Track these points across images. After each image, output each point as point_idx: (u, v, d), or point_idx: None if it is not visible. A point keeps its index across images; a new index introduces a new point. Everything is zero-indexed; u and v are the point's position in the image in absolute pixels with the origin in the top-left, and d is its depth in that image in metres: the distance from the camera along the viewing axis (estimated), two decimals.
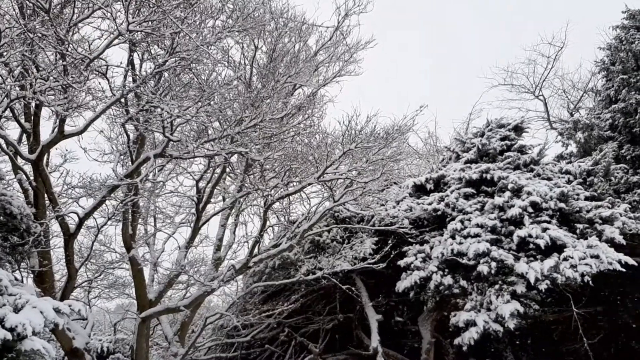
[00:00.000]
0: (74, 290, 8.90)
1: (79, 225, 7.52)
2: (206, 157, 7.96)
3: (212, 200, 9.53)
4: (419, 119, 24.90)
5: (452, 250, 8.99)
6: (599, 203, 9.78)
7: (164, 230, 10.01)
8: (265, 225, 8.39)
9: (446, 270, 8.99)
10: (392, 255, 9.28)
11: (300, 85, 9.51)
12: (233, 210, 9.05)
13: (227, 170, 8.94)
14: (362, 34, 11.58)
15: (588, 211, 9.60)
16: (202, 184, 8.68)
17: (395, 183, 11.16)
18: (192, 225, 8.79)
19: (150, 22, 6.55)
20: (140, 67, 7.68)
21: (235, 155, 8.50)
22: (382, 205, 10.23)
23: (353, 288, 8.71)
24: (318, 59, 10.43)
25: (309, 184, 7.98)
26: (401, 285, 8.99)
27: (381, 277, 9.90)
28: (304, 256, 9.11)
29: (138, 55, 7.61)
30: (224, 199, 9.26)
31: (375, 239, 9.70)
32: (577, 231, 9.27)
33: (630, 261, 8.48)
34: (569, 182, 10.39)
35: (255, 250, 8.34)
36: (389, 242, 9.42)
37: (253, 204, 9.11)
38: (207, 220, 9.20)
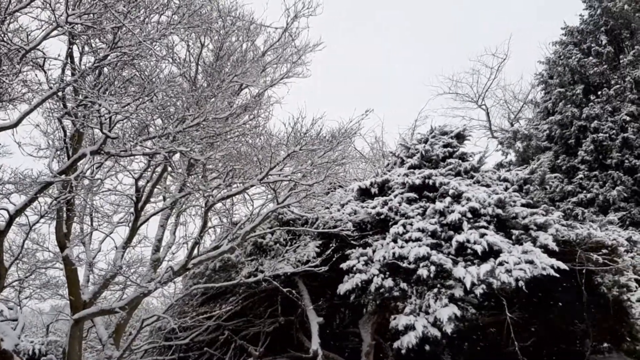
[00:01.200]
0: (4, 290, 8.47)
1: (9, 223, 7.14)
2: (146, 155, 7.74)
3: (152, 199, 9.28)
4: (367, 124, 25.26)
5: (394, 253, 9.11)
6: (534, 210, 10.14)
7: (101, 229, 9.66)
8: (205, 226, 8.24)
9: (387, 273, 9.09)
10: (335, 258, 9.31)
11: (247, 86, 9.41)
12: (173, 211, 8.84)
13: (169, 169, 8.73)
14: (311, 36, 11.52)
15: (524, 218, 9.95)
16: (141, 183, 8.43)
17: (340, 186, 11.22)
18: (130, 224, 8.52)
19: (91, 15, 6.31)
20: (80, 60, 7.39)
21: (178, 155, 8.31)
22: (327, 208, 10.26)
23: (294, 291, 8.68)
24: (266, 59, 10.36)
25: (252, 186, 7.89)
26: (343, 288, 9.03)
27: (324, 280, 9.90)
28: (245, 258, 9.01)
29: (78, 48, 7.32)
30: (164, 199, 9.04)
31: (319, 241, 9.71)
32: (513, 237, 9.58)
33: (562, 266, 8.83)
34: (506, 189, 10.71)
35: (195, 251, 8.17)
36: (333, 245, 9.46)
37: (194, 205, 8.93)
38: (147, 220, 8.95)
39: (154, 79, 7.47)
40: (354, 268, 9.09)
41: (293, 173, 7.84)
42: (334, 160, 8.19)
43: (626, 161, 19.37)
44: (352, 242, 9.66)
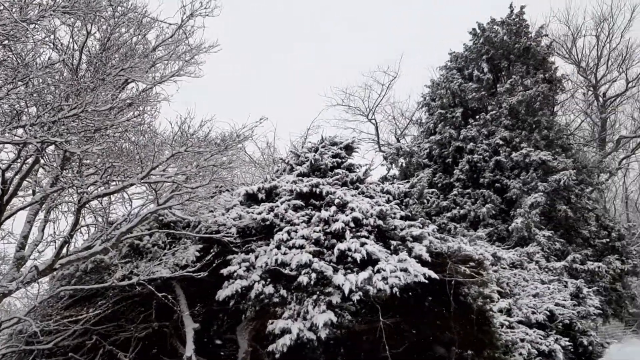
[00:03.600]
0: None
1: None
2: (15, 144, 7.13)
3: (21, 193, 8.56)
4: (260, 129, 25.20)
5: (277, 260, 9.14)
6: (412, 223, 10.69)
7: None
8: (77, 225, 7.73)
9: (269, 279, 9.09)
10: (216, 264, 9.14)
11: (134, 80, 9.01)
12: (43, 206, 8.20)
13: (41, 161, 8.11)
14: (208, 37, 11.30)
15: (402, 229, 10.44)
16: (9, 174, 7.76)
17: (227, 190, 11.07)
18: None
19: None
20: None
21: (53, 146, 7.74)
22: (211, 212, 10.06)
23: (170, 296, 8.39)
24: (157, 54, 9.99)
25: (132, 185, 7.54)
26: (222, 293, 8.89)
27: (203, 285, 9.68)
28: (120, 260, 8.57)
29: None
30: (34, 193, 8.36)
31: (200, 246, 9.49)
32: (391, 247, 10.02)
33: (434, 275, 9.39)
34: (388, 201, 11.16)
35: (65, 251, 7.63)
36: (215, 249, 9.28)
37: (67, 201, 8.35)
38: (13, 214, 8.22)
39: (29, 63, 6.92)
40: (235, 274, 9.00)
41: (176, 174, 7.60)
42: (222, 164, 8.06)
43: (497, 182, 21.04)
44: (235, 247, 9.55)
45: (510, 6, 24.52)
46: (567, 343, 12.81)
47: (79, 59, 8.52)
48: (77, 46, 8.67)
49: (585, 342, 13.76)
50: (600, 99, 35.23)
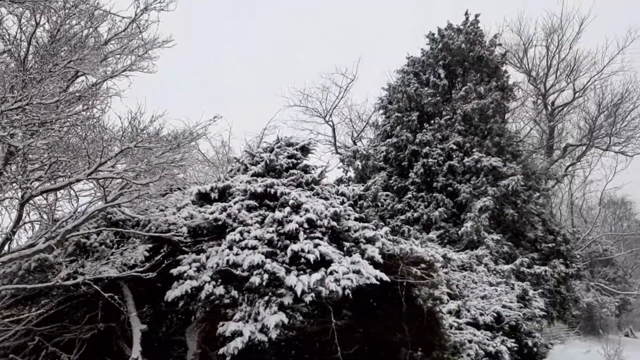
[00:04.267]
0: None
1: None
2: None
3: None
4: (215, 127, 24.92)
5: (228, 260, 9.03)
6: (366, 225, 10.76)
7: None
8: (20, 221, 7.43)
9: (220, 280, 8.97)
10: (166, 264, 8.93)
11: (84, 73, 8.75)
12: None
13: None
14: (162, 33, 11.10)
15: (356, 231, 10.50)
16: None
17: (179, 188, 10.87)
18: None
19: None
20: None
21: None
22: (162, 210, 9.86)
23: (117, 296, 8.15)
24: (109, 48, 9.77)
25: (79, 181, 7.29)
26: (171, 294, 8.71)
27: (152, 286, 9.46)
28: (64, 259, 8.28)
29: None
30: None
31: (150, 245, 9.27)
32: (345, 248, 10.06)
33: (385, 277, 9.47)
34: (343, 203, 11.20)
35: (6, 248, 7.33)
36: (165, 249, 9.08)
37: (11, 197, 8.02)
38: None
39: None
40: (185, 274, 8.83)
41: (125, 171, 7.40)
42: (173, 161, 7.90)
43: (449, 186, 21.47)
44: (186, 247, 9.38)
45: (466, 13, 25.12)
46: (513, 344, 13.17)
47: (27, 50, 8.22)
48: (25, 37, 8.37)
49: (530, 344, 14.18)
50: (549, 107, 36.54)
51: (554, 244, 22.24)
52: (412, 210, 20.65)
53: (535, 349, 14.33)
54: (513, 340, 13.33)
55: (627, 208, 50.82)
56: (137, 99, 8.11)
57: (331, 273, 9.04)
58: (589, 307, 32.74)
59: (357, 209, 11.84)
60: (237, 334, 8.44)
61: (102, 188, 7.74)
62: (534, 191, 23.07)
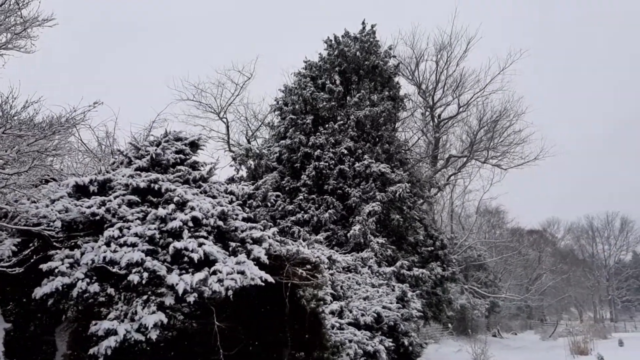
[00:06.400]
0: None
1: None
2: None
3: None
4: (98, 118, 23.66)
5: (105, 257, 8.59)
6: (254, 225, 10.71)
7: None
8: None
9: (95, 278, 8.51)
10: (36, 259, 8.31)
11: None
12: None
13: None
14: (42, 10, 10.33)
15: (243, 231, 10.42)
16: None
17: (54, 180, 10.16)
18: None
19: None
20: None
21: None
22: (34, 202, 9.16)
23: None
24: None
25: None
26: (40, 291, 8.12)
27: (21, 282, 8.76)
28: None
29: None
30: None
31: (19, 239, 8.59)
32: (230, 248, 9.95)
33: (270, 278, 9.49)
34: (231, 202, 11.08)
35: None
36: (35, 244, 8.45)
37: None
38: None
39: None
40: (57, 270, 8.27)
41: None
42: (46, 149, 7.36)
43: (340, 189, 22.00)
44: (59, 242, 8.78)
45: (363, 22, 25.91)
46: (391, 344, 13.75)
47: None
48: None
49: (407, 343, 14.89)
50: (436, 119, 38.70)
51: (433, 248, 23.56)
52: (302, 212, 20.90)
53: (411, 348, 15.06)
54: (391, 339, 13.91)
55: (500, 217, 55.28)
56: (10, 82, 7.48)
57: (215, 273, 8.90)
58: (462, 309, 35.08)
59: (247, 209, 11.76)
60: (111, 332, 8.04)
61: None
62: (419, 198, 24.31)
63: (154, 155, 10.97)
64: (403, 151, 26.47)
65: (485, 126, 37.46)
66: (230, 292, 8.78)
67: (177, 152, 11.45)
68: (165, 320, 8.37)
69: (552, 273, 57.43)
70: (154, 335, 8.16)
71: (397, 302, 15.74)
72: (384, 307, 14.68)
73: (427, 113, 38.83)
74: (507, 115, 37.49)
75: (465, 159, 38.24)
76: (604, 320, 75.00)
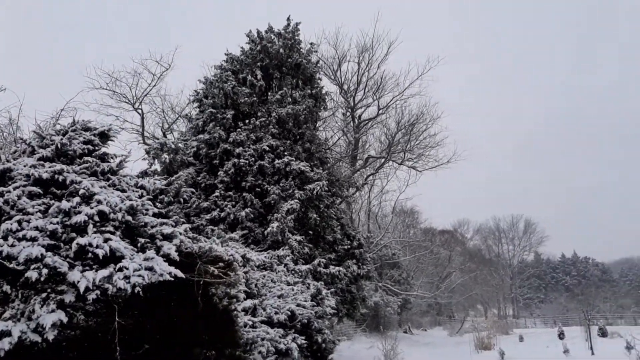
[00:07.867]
0: None
1: None
2: None
3: None
4: (3, 102, 22.16)
5: (2, 252, 8.02)
6: (165, 221, 10.39)
7: None
8: None
9: None
10: None
11: None
12: None
13: None
14: None
15: (153, 227, 10.09)
16: None
17: None
18: None
19: None
20: None
21: None
22: None
23: None
24: None
25: None
26: None
27: None
28: None
29: None
30: None
31: None
32: (139, 245, 9.60)
33: (180, 274, 9.25)
34: (142, 197, 10.69)
35: None
36: None
37: None
38: None
39: None
40: None
41: None
42: None
43: (258, 187, 21.87)
44: None
45: (288, 19, 25.86)
46: (304, 341, 13.84)
47: None
48: None
49: (320, 340, 15.05)
50: (356, 120, 39.47)
51: (349, 247, 23.98)
52: (218, 210, 20.53)
53: (324, 345, 15.24)
54: (304, 337, 14.00)
55: (414, 217, 57.29)
56: None
57: (120, 270, 8.55)
58: (376, 306, 36.03)
59: (158, 204, 11.40)
60: (5, 334, 7.55)
61: None
62: (338, 197, 24.65)
63: (59, 145, 10.38)
64: (323, 150, 26.73)
65: (402, 129, 38.67)
66: (138, 289, 8.47)
67: (85, 143, 10.90)
68: (65, 319, 7.95)
69: (461, 271, 60.38)
70: (51, 335, 7.74)
71: (311, 300, 15.86)
72: (298, 305, 14.74)
73: (348, 113, 39.50)
74: (424, 119, 38.95)
75: (383, 160, 39.27)
76: (507, 317, 79.81)
